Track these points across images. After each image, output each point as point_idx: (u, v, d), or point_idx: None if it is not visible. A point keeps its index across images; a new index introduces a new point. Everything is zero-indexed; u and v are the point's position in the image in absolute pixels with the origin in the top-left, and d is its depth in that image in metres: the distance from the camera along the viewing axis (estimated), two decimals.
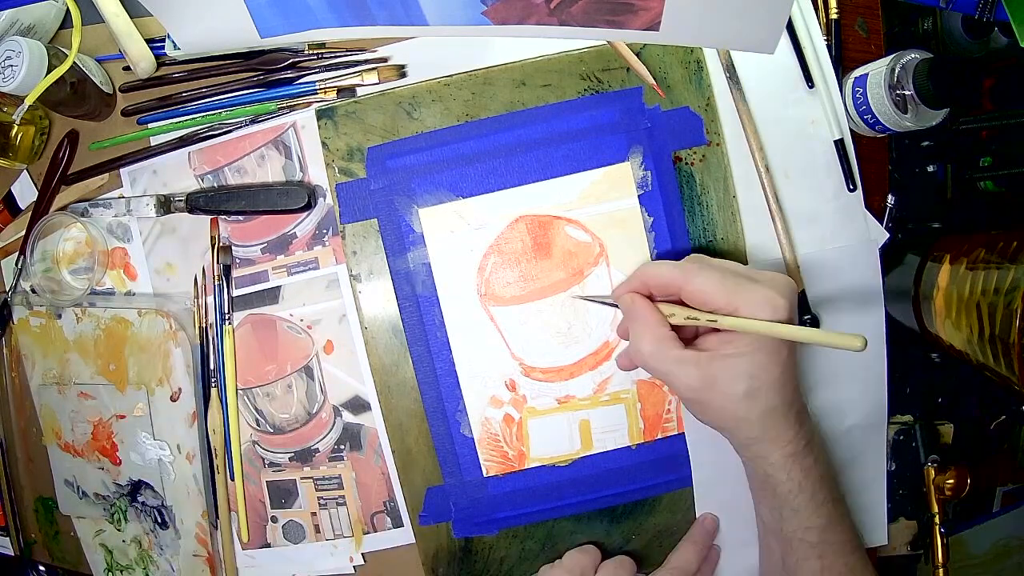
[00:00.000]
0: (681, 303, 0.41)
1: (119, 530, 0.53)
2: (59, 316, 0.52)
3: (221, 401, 0.51)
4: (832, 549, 0.41)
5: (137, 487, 0.52)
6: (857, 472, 0.50)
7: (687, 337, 0.42)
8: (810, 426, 0.41)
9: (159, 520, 0.52)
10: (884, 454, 0.50)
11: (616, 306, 0.45)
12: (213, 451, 0.51)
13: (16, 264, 0.52)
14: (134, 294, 0.52)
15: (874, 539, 0.51)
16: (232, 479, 0.51)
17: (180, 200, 0.50)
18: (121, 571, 0.53)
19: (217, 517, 0.52)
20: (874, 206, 0.49)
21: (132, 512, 0.52)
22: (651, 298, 0.42)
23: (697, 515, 0.50)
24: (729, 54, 0.48)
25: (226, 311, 0.51)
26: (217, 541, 0.52)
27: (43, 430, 0.54)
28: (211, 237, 0.51)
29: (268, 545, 0.52)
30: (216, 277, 0.50)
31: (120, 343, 0.51)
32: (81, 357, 0.52)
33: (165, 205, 0.51)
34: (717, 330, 0.40)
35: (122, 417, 0.51)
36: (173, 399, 0.50)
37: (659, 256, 0.49)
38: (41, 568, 0.57)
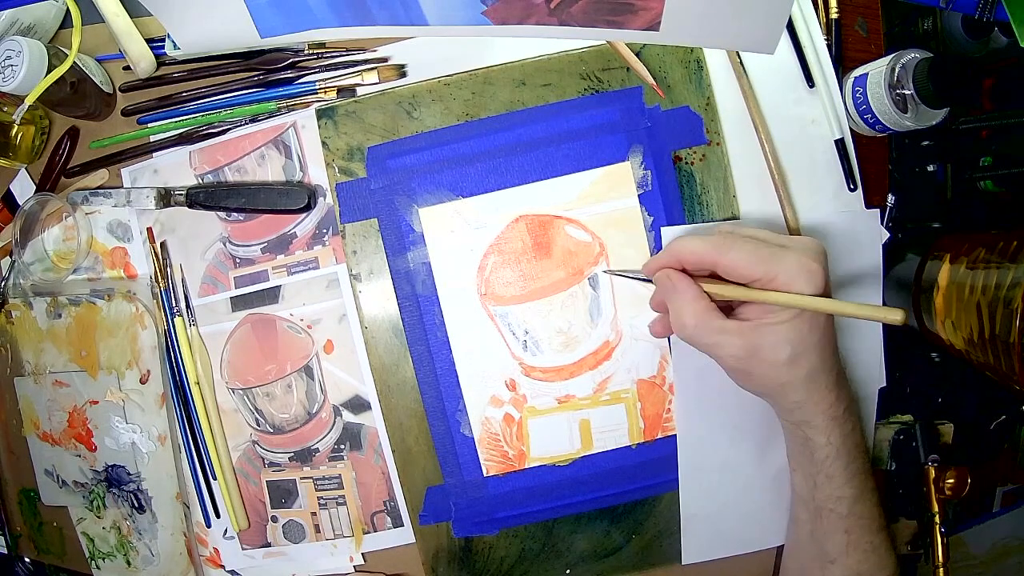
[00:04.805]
0: (715, 276, 0.41)
1: (99, 517, 0.53)
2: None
3: (170, 397, 0.51)
4: (859, 524, 0.42)
5: (113, 472, 0.52)
6: None
7: (725, 307, 0.42)
8: (849, 391, 0.42)
9: (136, 504, 0.52)
10: (872, 427, 0.50)
11: (648, 280, 0.45)
12: (196, 446, 0.52)
13: (11, 256, 0.53)
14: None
15: None
16: (213, 477, 0.52)
17: (180, 194, 0.51)
18: (103, 558, 0.54)
19: (218, 515, 0.52)
20: (874, 206, 0.49)
21: (110, 498, 0.53)
22: (685, 272, 0.42)
23: (682, 512, 0.50)
24: None
25: (173, 304, 0.51)
26: (192, 524, 0.52)
27: (23, 421, 0.55)
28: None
29: (268, 545, 0.52)
30: (157, 260, 0.51)
31: (90, 329, 0.51)
32: (54, 345, 0.53)
33: (165, 198, 0.51)
34: None
35: (95, 403, 0.52)
36: (143, 381, 0.51)
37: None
38: (27, 561, 0.58)
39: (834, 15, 0.49)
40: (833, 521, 0.42)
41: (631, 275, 0.47)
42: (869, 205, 0.49)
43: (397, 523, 0.51)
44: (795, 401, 0.40)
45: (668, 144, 0.49)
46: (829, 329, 0.40)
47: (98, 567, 0.54)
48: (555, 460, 0.50)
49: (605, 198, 0.49)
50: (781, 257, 0.38)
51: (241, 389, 0.52)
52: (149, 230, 0.52)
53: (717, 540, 0.50)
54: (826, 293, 0.38)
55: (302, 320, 0.51)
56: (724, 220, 0.48)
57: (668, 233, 0.48)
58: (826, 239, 0.48)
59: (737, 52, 0.48)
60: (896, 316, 0.35)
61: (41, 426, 0.54)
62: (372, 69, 0.50)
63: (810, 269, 0.38)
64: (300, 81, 0.50)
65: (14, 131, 0.51)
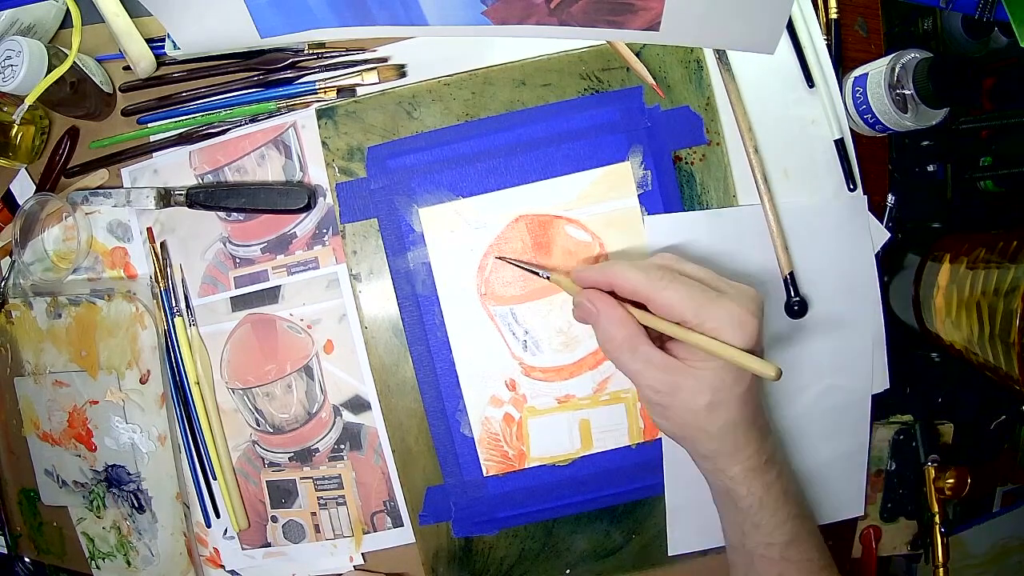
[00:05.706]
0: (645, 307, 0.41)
1: (99, 517, 0.53)
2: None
3: (170, 397, 0.51)
4: (795, 567, 0.41)
5: (113, 472, 0.52)
6: (837, 440, 0.50)
7: (655, 336, 0.41)
8: (772, 442, 0.41)
9: (136, 504, 0.52)
10: (867, 425, 0.50)
11: (539, 275, 0.45)
12: (195, 446, 0.52)
13: (11, 256, 0.53)
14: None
15: (850, 510, 0.51)
16: (213, 477, 0.52)
17: (180, 194, 0.51)
18: (103, 558, 0.54)
19: (218, 515, 0.52)
20: (874, 206, 0.49)
21: (110, 498, 0.53)
22: (613, 295, 0.41)
23: (667, 503, 0.50)
24: None
25: (173, 304, 0.51)
26: (192, 524, 0.52)
27: (23, 421, 0.55)
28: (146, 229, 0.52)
29: (268, 545, 0.52)
30: (157, 261, 0.51)
31: (90, 329, 0.51)
32: (54, 345, 0.53)
33: (165, 198, 0.51)
34: None
35: (95, 403, 0.52)
36: (142, 381, 0.51)
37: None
38: (27, 561, 0.58)
39: (834, 15, 0.49)
40: (765, 566, 0.41)
41: (529, 267, 0.47)
42: (869, 205, 0.49)
43: (397, 523, 0.51)
44: (711, 449, 0.40)
45: (668, 144, 0.49)
46: (755, 382, 0.39)
47: (98, 567, 0.54)
48: (555, 460, 0.50)
49: (605, 198, 0.49)
50: (715, 303, 0.38)
51: (241, 389, 0.52)
52: (149, 230, 0.52)
53: (703, 531, 0.50)
54: (757, 345, 0.38)
55: (302, 320, 0.51)
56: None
57: (653, 222, 0.48)
58: (817, 228, 0.48)
59: (725, 52, 0.48)
60: (770, 372, 0.36)
61: (41, 426, 0.54)
62: (372, 69, 0.50)
63: (741, 320, 0.37)
64: (300, 81, 0.50)
65: (14, 131, 0.51)
